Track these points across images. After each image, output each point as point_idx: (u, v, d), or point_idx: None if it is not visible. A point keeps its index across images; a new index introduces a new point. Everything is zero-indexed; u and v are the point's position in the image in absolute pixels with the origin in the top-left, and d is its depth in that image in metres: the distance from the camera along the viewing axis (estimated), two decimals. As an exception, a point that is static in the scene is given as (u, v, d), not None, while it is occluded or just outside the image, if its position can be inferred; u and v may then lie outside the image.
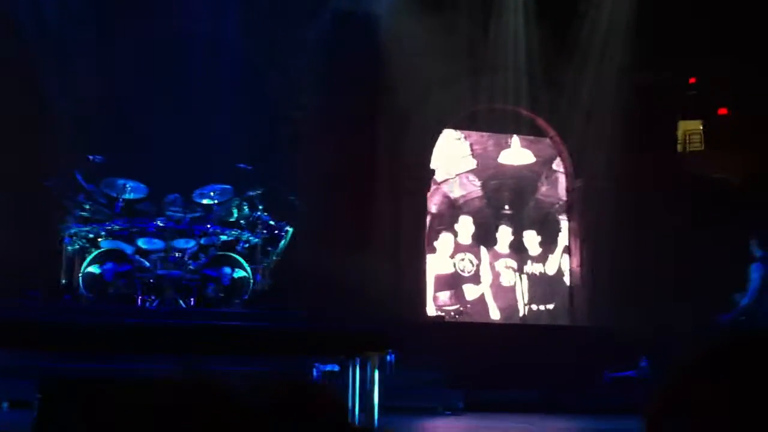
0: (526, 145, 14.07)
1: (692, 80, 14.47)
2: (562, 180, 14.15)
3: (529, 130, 13.96)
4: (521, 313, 13.66)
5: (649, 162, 13.17)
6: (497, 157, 13.93)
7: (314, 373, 6.44)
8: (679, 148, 14.57)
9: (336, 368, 6.57)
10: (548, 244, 13.92)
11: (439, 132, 13.51)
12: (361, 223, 12.01)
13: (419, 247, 12.94)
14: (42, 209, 10.30)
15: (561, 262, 13.94)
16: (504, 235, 13.76)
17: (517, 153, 14.06)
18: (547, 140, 14.08)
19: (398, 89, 12.53)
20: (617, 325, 11.61)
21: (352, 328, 7.22)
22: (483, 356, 9.49)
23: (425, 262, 13.02)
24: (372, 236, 12.08)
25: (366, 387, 5.06)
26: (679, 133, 14.60)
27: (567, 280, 13.92)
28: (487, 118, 13.60)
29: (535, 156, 14.08)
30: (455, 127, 13.70)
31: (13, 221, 10.64)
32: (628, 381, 9.38)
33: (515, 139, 14.04)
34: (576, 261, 13.85)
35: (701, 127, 14.80)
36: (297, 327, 7.61)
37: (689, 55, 13.30)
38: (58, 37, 11.35)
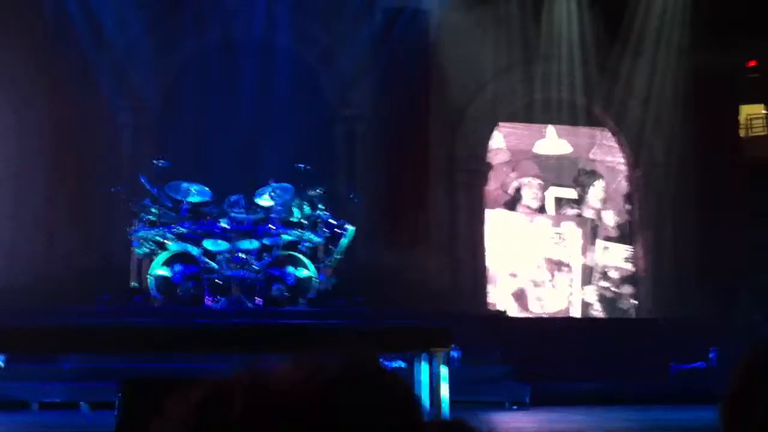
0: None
1: (753, 63, 14.12)
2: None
3: (586, 121, 13.75)
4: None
5: (710, 147, 12.90)
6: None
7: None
8: (742, 132, 14.22)
9: (402, 364, 6.65)
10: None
11: (494, 124, 13.44)
12: (420, 218, 12.07)
13: (478, 240, 12.92)
14: (110, 215, 10.60)
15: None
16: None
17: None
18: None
19: (451, 83, 12.56)
20: (684, 315, 11.45)
21: (417, 324, 7.29)
22: (547, 349, 9.47)
23: (484, 256, 12.98)
24: (430, 231, 12.13)
25: (433, 382, 5.13)
26: (741, 118, 14.25)
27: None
28: (541, 109, 13.46)
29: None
30: (510, 119, 13.58)
31: (83, 228, 10.99)
32: (696, 372, 9.24)
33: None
34: (639, 251, 13.65)
35: (764, 111, 14.45)
36: (363, 324, 7.72)
37: (750, 37, 12.99)
38: (118, 46, 11.66)
